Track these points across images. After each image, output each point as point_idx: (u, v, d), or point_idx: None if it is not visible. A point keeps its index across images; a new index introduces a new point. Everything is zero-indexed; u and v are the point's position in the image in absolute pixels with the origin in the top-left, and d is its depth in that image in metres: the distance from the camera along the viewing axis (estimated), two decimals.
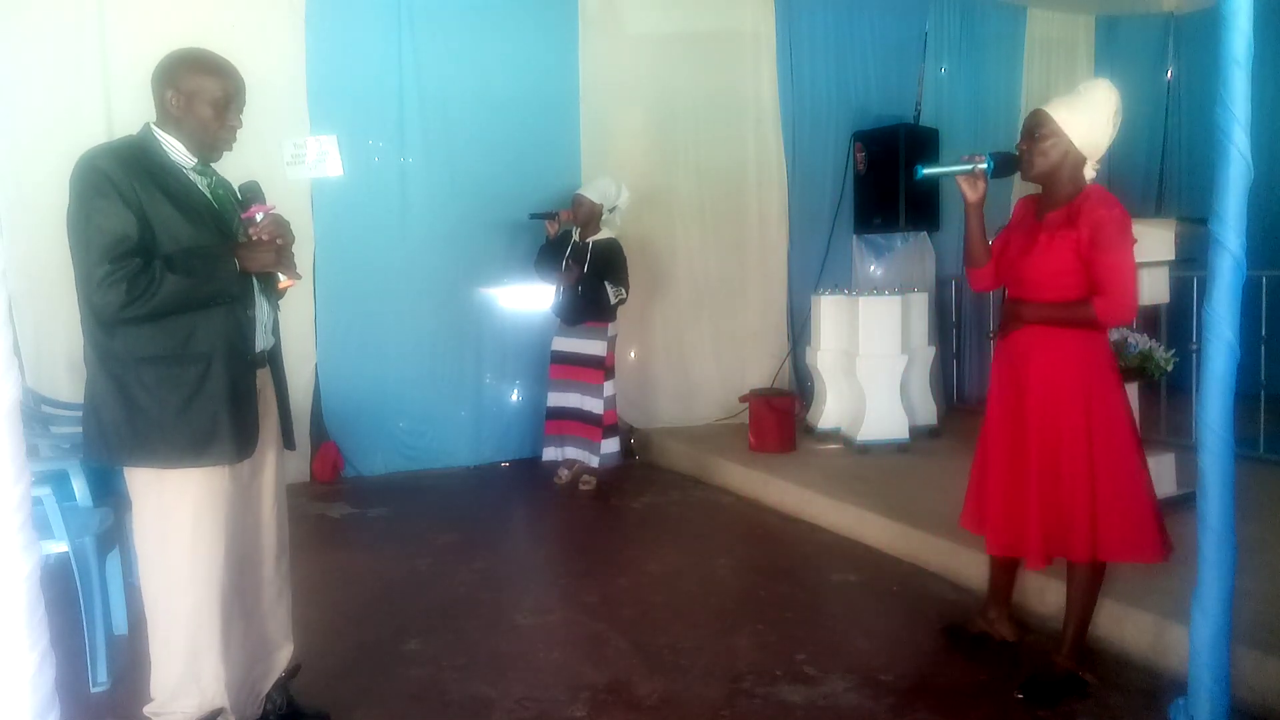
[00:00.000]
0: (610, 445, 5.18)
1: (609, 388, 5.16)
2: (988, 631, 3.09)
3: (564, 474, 5.34)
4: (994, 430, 2.85)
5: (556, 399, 5.26)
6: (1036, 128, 2.70)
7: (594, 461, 5.17)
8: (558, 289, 5.19)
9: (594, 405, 5.14)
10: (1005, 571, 3.06)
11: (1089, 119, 2.65)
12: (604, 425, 5.14)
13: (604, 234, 5.16)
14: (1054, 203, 2.74)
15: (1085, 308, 2.60)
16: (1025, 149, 2.74)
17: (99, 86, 4.79)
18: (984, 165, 2.78)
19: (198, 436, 2.16)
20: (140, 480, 2.22)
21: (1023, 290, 2.77)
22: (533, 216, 5.35)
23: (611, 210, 5.19)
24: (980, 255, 2.92)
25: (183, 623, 2.23)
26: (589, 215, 5.14)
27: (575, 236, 5.21)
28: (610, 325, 5.14)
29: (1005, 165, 2.80)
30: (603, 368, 5.13)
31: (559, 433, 5.26)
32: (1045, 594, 3.28)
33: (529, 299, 5.71)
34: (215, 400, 2.18)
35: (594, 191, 5.15)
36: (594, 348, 5.13)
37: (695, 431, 6.23)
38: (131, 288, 2.04)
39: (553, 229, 5.25)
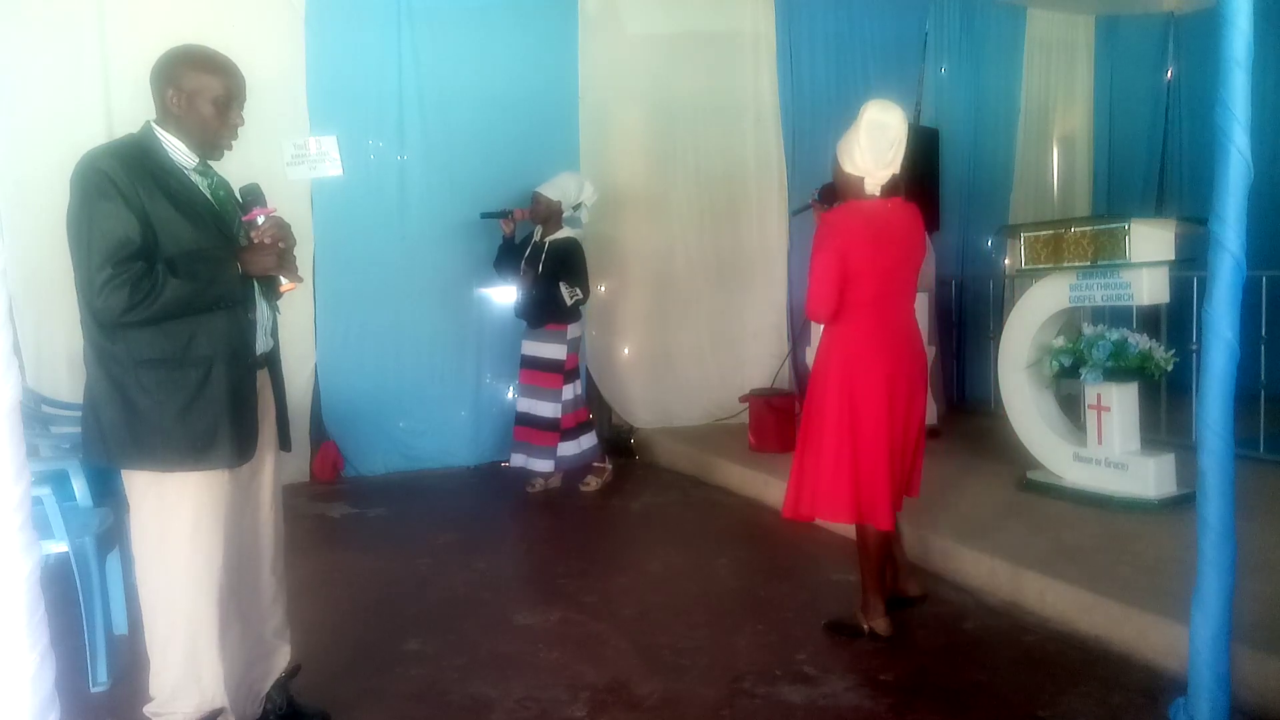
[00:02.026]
0: (570, 447, 5.06)
1: (568, 391, 5.04)
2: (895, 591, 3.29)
3: (539, 483, 5.23)
4: None
5: (520, 404, 5.19)
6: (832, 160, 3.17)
7: (548, 467, 5.06)
8: (519, 290, 5.10)
9: (546, 410, 5.01)
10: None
11: (846, 145, 3.05)
12: (561, 429, 5.03)
13: (563, 233, 5.02)
14: None
15: None
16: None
17: (99, 86, 4.80)
18: (815, 198, 3.54)
19: (198, 440, 2.15)
20: (139, 483, 2.21)
21: None
22: (484, 216, 5.23)
23: (575, 208, 5.09)
24: None
25: (181, 624, 2.23)
26: (546, 213, 5.01)
27: (536, 236, 5.12)
28: (571, 327, 5.02)
29: (827, 195, 3.48)
30: (560, 371, 5.01)
31: (523, 439, 5.15)
32: (1045, 595, 3.28)
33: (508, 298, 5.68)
34: (216, 404, 2.17)
35: (552, 189, 5.00)
36: (552, 351, 5.01)
37: (695, 431, 6.23)
38: (134, 292, 2.02)
39: (508, 228, 5.15)
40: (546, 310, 4.97)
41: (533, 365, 5.09)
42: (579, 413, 5.17)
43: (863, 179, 3.02)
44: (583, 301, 5.01)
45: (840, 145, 3.08)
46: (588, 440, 5.19)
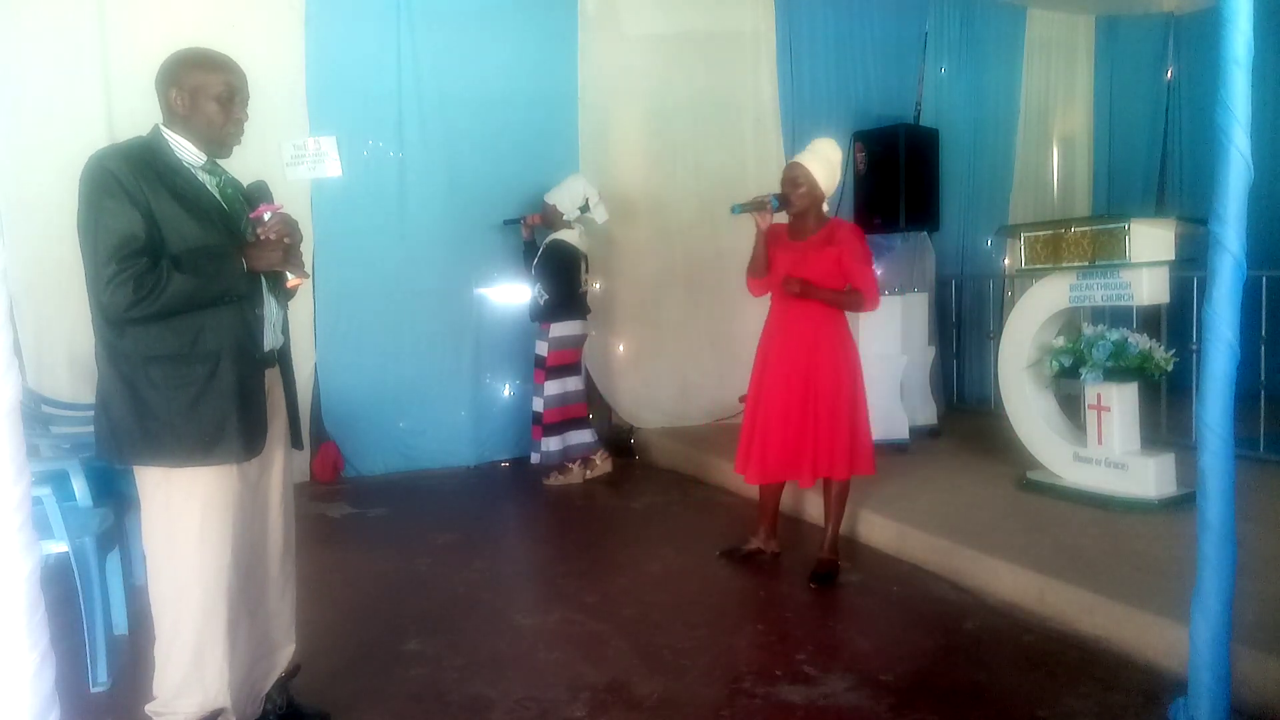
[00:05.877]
0: (552, 444, 5.28)
1: (550, 386, 5.26)
2: (761, 549, 3.97)
3: (555, 476, 5.40)
4: (772, 386, 3.76)
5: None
6: (796, 178, 3.64)
7: (535, 459, 5.32)
8: None
9: (536, 404, 5.33)
10: (772, 497, 3.98)
11: (826, 172, 3.65)
12: (544, 423, 5.27)
13: (555, 236, 5.28)
14: (806, 230, 3.70)
15: (856, 295, 3.65)
16: (789, 192, 3.65)
17: (99, 87, 4.79)
18: (772, 203, 3.65)
19: (206, 435, 2.16)
20: (149, 479, 2.22)
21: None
22: (505, 223, 5.60)
23: (583, 211, 5.29)
24: (763, 268, 3.74)
25: (188, 622, 2.23)
26: (548, 219, 5.32)
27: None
28: (555, 326, 5.24)
29: (783, 203, 3.71)
30: (543, 367, 5.27)
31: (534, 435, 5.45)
32: (1045, 595, 3.28)
33: (520, 297, 5.81)
34: (223, 399, 2.18)
35: (552, 194, 5.29)
36: (539, 347, 5.32)
37: (695, 431, 6.23)
38: (138, 287, 2.05)
39: (525, 232, 5.46)
40: (532, 308, 5.34)
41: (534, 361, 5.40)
42: (566, 409, 5.32)
43: (824, 199, 3.70)
44: (548, 301, 5.21)
45: (817, 170, 3.64)
46: (575, 437, 5.37)
